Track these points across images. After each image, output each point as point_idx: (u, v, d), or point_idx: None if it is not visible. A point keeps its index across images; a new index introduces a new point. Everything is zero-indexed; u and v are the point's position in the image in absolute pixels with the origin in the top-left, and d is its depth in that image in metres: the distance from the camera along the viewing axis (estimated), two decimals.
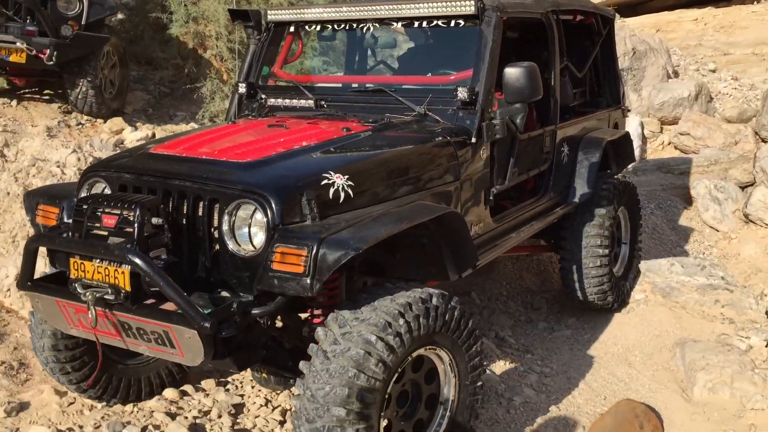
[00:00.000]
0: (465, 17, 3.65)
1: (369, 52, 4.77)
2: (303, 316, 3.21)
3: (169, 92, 8.55)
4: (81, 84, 6.94)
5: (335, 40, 4.44)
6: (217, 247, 2.81)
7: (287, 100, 3.96)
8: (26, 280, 2.98)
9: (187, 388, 3.84)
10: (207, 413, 3.63)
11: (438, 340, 2.88)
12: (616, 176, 5.08)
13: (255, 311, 2.72)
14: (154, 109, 8.06)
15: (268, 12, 4.18)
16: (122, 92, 7.67)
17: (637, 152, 8.93)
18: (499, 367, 4.39)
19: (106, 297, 2.71)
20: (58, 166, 5.24)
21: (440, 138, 3.43)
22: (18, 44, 6.34)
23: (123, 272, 2.67)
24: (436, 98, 3.59)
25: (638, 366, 4.46)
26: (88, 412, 3.58)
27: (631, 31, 10.02)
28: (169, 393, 3.78)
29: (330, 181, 2.83)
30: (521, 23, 4.50)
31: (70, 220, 2.92)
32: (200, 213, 2.83)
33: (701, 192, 7.19)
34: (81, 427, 3.47)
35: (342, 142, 3.23)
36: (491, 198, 3.74)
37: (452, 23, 3.69)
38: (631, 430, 3.68)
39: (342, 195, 2.85)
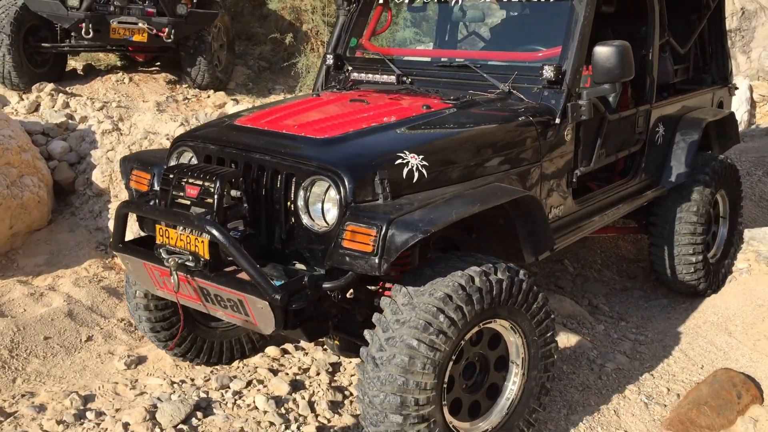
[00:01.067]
0: None
1: (460, 25, 4.73)
2: (374, 288, 3.28)
3: (267, 67, 8.84)
4: (196, 58, 7.43)
5: (426, 11, 4.42)
6: (293, 220, 2.89)
7: (370, 75, 3.99)
8: (118, 243, 3.15)
9: (288, 346, 4.05)
10: (306, 370, 3.84)
11: (508, 315, 2.89)
12: (716, 157, 4.81)
13: (326, 285, 2.79)
14: (253, 83, 8.36)
15: None
16: (230, 66, 8.06)
17: (745, 117, 8.58)
18: (593, 334, 4.38)
19: (187, 263, 2.85)
20: (168, 139, 5.55)
21: (522, 118, 3.36)
22: (140, 24, 6.85)
23: (203, 241, 2.79)
24: (521, 76, 3.54)
25: (739, 335, 4.34)
26: (198, 367, 3.85)
27: None
28: (272, 351, 4.01)
29: (404, 161, 2.85)
30: None
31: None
32: (278, 187, 2.92)
33: None
34: (192, 379, 3.75)
35: (420, 121, 3.21)
36: (574, 180, 3.67)
37: None
38: (728, 399, 3.63)
39: (416, 175, 2.87)
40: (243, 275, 2.81)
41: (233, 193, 2.86)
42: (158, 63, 8.19)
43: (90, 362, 4.03)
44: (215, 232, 2.69)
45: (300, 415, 3.46)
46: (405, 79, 3.85)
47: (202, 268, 2.83)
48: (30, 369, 3.92)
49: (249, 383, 3.69)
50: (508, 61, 3.84)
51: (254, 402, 3.51)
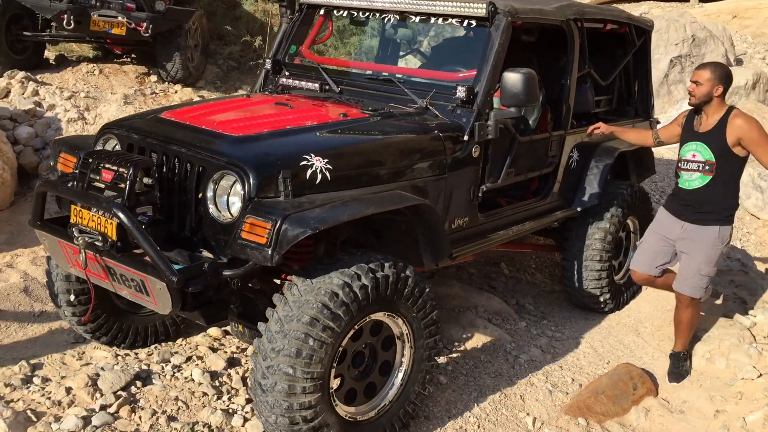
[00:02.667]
0: (476, 18, 3.78)
1: (399, 42, 4.95)
2: (278, 281, 3.49)
3: (236, 66, 9.12)
4: (172, 53, 7.76)
5: (367, 25, 4.66)
6: (202, 211, 3.06)
7: (297, 81, 4.18)
8: (36, 220, 3.32)
9: (229, 328, 4.34)
10: (244, 350, 4.13)
11: (392, 308, 3.07)
12: (628, 184, 4.99)
13: (226, 273, 2.94)
14: (222, 82, 8.63)
15: None
16: (202, 63, 8.38)
17: None
18: (514, 329, 4.74)
19: (96, 243, 3.01)
20: None
21: (432, 132, 3.54)
22: (119, 18, 7.19)
23: (112, 223, 2.95)
24: (438, 93, 3.72)
25: (646, 336, 4.73)
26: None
27: (691, 18, 9.99)
28: (213, 331, 4.29)
29: (309, 163, 3.03)
30: (541, 28, 4.51)
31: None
32: (191, 178, 3.09)
33: (744, 179, 7.22)
34: (136, 353, 4.02)
35: (333, 127, 3.40)
36: (480, 195, 3.82)
37: (465, 23, 3.83)
38: (624, 390, 3.99)
39: (319, 176, 3.04)
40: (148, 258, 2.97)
41: (146, 180, 3.03)
42: (132, 56, 8.46)
43: (41, 335, 4.27)
44: (121, 215, 2.87)
45: (233, 388, 3.75)
46: (327, 87, 4.03)
47: (110, 248, 2.99)
48: None
49: (189, 359, 3.97)
50: (429, 79, 4.02)
51: (191, 375, 3.79)
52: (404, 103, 3.76)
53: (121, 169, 3.00)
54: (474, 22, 3.82)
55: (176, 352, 4.03)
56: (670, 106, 9.55)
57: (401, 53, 5.04)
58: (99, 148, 3.49)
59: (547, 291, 5.57)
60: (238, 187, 2.94)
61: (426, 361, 3.32)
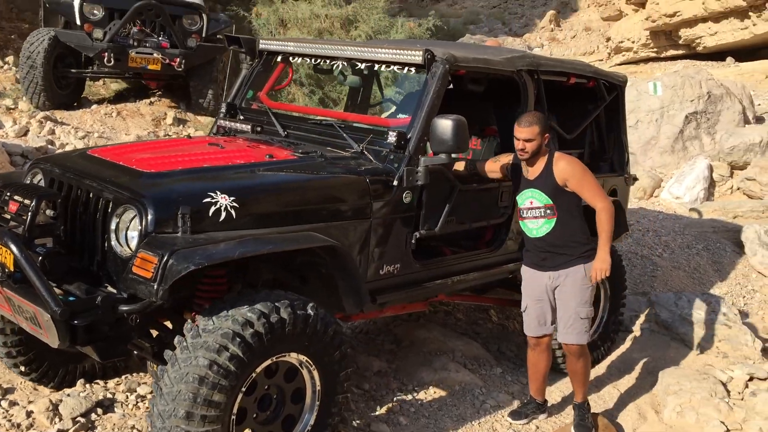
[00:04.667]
0: (415, 66, 3.81)
1: (374, 89, 5.02)
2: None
3: None
4: (204, 86, 8.40)
5: (331, 73, 4.74)
6: (106, 245, 3.05)
7: (242, 125, 4.22)
8: None
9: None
10: None
11: (291, 348, 3.01)
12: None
13: (122, 308, 2.91)
14: None
15: (260, 41, 4.49)
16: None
17: (701, 194, 8.94)
18: (489, 375, 4.70)
19: None
20: None
21: (357, 175, 3.50)
22: (155, 55, 7.85)
23: (10, 253, 2.93)
24: (374, 139, 3.72)
25: (622, 387, 4.65)
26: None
27: (707, 75, 9.99)
28: None
29: (213, 200, 3.00)
30: (491, 78, 4.44)
31: None
32: (99, 211, 3.08)
33: (750, 236, 7.17)
34: (105, 383, 4.09)
35: (253, 167, 3.38)
36: (413, 241, 3.72)
37: (405, 70, 3.88)
38: None
39: (223, 214, 3.00)
40: None
41: (48, 212, 3.07)
42: (158, 94, 8.90)
43: None
44: (11, 244, 2.87)
45: None
46: (258, 128, 4.09)
47: (7, 278, 2.99)
48: None
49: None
50: (369, 125, 4.09)
51: None
52: (343, 147, 3.78)
53: (25, 201, 3.04)
54: (413, 70, 3.86)
55: (144, 383, 4.10)
56: (684, 162, 9.50)
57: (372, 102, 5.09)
58: (27, 182, 3.50)
59: None
60: (137, 221, 2.93)
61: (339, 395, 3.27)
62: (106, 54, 7.57)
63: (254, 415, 3.06)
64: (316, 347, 3.10)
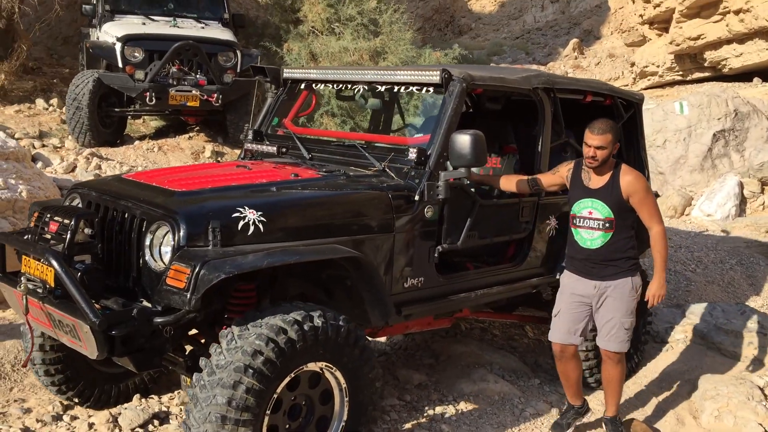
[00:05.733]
0: (433, 85, 3.92)
1: (397, 111, 5.14)
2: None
3: None
4: (240, 120, 8.73)
5: (354, 99, 4.91)
6: (141, 261, 3.19)
7: (259, 146, 4.41)
8: None
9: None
10: None
11: (325, 358, 3.13)
12: None
13: (157, 320, 3.02)
14: None
15: (284, 69, 4.67)
16: None
17: (732, 211, 8.99)
18: (527, 386, 4.81)
19: (37, 290, 3.16)
20: None
21: (380, 191, 3.62)
22: (193, 92, 8.27)
23: (50, 270, 3.10)
24: (396, 157, 3.84)
25: (660, 394, 4.72)
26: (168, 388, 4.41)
27: (734, 93, 10.09)
28: None
29: (241, 215, 3.15)
30: (509, 97, 4.55)
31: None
32: (134, 229, 3.24)
33: None
34: (160, 397, 4.29)
35: (279, 185, 3.53)
36: (436, 255, 3.80)
37: (424, 91, 3.99)
38: None
39: (251, 228, 3.15)
40: None
41: (87, 231, 3.20)
42: (197, 129, 9.28)
43: None
44: (52, 261, 3.01)
45: None
46: (284, 150, 4.25)
47: (48, 294, 3.14)
48: (27, 382, 4.52)
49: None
50: (390, 144, 4.27)
51: None
52: (366, 166, 3.91)
53: (64, 221, 3.19)
54: (432, 89, 3.96)
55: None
56: (714, 179, 9.57)
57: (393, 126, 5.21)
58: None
59: None
60: (170, 236, 3.08)
61: (364, 412, 3.36)
62: (148, 93, 7.99)
63: (286, 426, 3.17)
64: (344, 355, 3.20)
